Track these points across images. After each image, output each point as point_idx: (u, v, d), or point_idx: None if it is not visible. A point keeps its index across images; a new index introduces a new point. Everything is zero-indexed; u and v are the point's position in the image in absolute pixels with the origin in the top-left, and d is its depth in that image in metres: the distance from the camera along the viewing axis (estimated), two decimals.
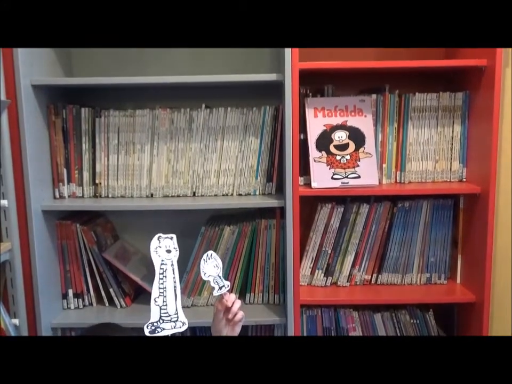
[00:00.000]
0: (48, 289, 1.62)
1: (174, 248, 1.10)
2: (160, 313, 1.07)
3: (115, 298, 1.71)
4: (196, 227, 1.69)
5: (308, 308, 1.70)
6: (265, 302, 1.71)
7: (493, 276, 1.64)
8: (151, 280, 1.71)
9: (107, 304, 1.72)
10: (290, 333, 1.58)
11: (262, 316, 1.64)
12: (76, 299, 1.71)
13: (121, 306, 1.71)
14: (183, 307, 1.68)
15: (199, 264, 1.66)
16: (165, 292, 1.08)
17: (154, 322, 1.07)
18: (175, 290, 1.09)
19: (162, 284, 1.08)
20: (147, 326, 1.06)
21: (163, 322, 1.07)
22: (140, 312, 1.67)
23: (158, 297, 1.08)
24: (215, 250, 1.65)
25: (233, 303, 1.22)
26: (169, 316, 1.08)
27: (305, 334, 1.72)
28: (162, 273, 1.08)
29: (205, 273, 1.18)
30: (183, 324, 1.09)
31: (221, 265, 1.20)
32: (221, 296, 1.21)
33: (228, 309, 1.21)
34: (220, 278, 1.20)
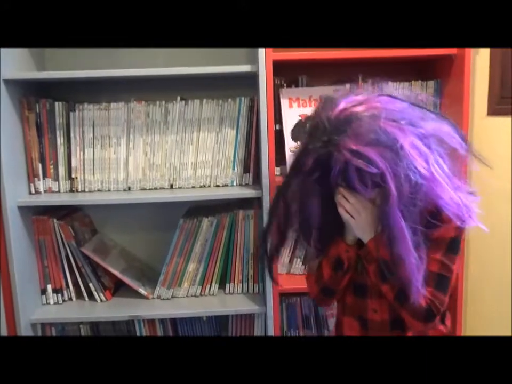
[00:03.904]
0: (26, 285, 1.61)
1: None
2: None
3: (95, 293, 1.70)
4: (174, 219, 1.70)
5: (287, 296, 1.72)
6: (245, 292, 1.73)
7: (466, 258, 1.69)
8: (131, 273, 1.73)
9: (87, 299, 1.72)
10: (270, 321, 1.60)
11: (242, 305, 1.65)
12: (55, 294, 1.70)
13: (101, 300, 1.71)
14: (163, 299, 1.71)
15: (178, 256, 1.67)
16: None
17: None
18: None
19: None
20: None
21: None
22: (120, 306, 1.68)
23: None
24: (193, 242, 1.68)
25: None
26: None
27: (285, 322, 1.74)
28: None
29: None
30: None
31: None
32: None
33: None
34: None
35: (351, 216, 1.09)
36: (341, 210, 1.10)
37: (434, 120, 1.03)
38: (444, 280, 1.08)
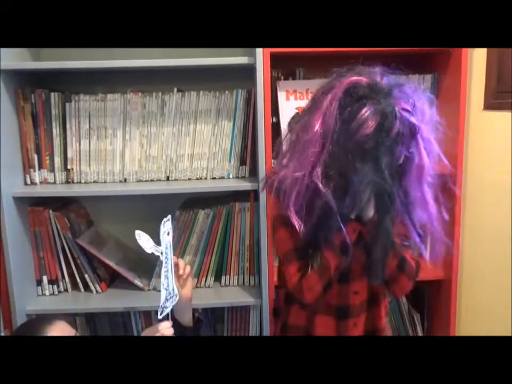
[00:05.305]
0: (22, 276, 1.61)
1: (171, 228, 1.11)
2: (166, 294, 1.09)
3: (90, 284, 1.71)
4: (170, 211, 1.68)
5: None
6: (240, 284, 1.73)
7: (461, 253, 1.69)
8: (127, 265, 1.73)
9: (82, 290, 1.72)
10: (266, 313, 1.61)
11: (238, 297, 1.66)
12: (51, 285, 1.70)
13: (96, 291, 1.71)
14: (159, 291, 1.71)
15: (174, 248, 1.67)
16: (167, 274, 1.09)
17: (162, 304, 1.08)
18: (171, 269, 1.11)
19: (166, 266, 1.09)
20: (159, 311, 1.07)
21: (166, 301, 1.08)
22: (115, 297, 1.68)
23: (164, 281, 1.08)
24: (190, 234, 1.68)
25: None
26: (170, 293, 1.09)
27: None
28: (166, 257, 1.09)
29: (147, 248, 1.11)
30: (176, 296, 1.11)
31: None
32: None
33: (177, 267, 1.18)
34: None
35: None
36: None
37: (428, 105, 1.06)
38: None
